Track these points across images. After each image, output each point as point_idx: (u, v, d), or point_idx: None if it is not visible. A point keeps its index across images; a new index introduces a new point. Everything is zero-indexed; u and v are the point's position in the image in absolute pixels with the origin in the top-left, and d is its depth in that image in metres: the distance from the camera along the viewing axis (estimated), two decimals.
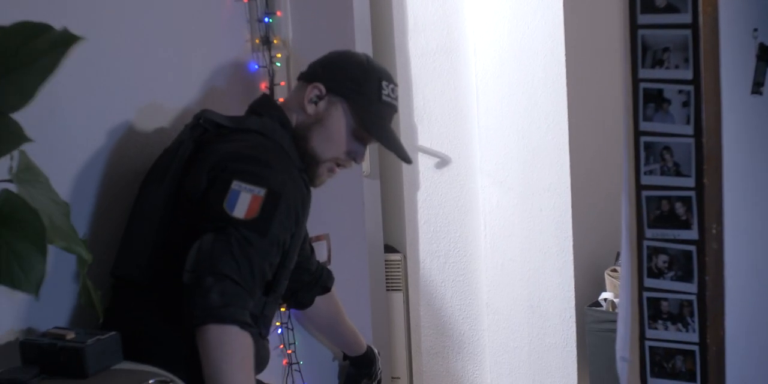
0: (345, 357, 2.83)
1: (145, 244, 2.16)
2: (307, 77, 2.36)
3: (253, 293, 2.07)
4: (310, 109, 2.31)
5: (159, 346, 2.12)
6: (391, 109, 2.37)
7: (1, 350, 1.99)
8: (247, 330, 2.02)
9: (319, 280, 2.61)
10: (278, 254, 2.14)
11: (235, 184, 2.07)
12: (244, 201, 2.06)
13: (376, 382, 2.81)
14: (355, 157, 2.36)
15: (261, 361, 2.25)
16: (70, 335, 1.94)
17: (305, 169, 2.30)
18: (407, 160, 2.41)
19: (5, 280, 1.58)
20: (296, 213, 2.17)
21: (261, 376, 2.30)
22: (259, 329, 2.16)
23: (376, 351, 2.83)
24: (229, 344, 2.00)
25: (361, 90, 2.33)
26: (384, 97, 2.33)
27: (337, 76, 2.33)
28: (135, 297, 2.17)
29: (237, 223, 2.05)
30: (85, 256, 1.72)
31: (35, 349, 1.93)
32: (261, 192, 2.07)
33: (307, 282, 2.61)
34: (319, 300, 2.65)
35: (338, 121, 2.32)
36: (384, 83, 2.34)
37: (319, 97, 2.31)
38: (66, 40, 1.51)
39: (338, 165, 2.37)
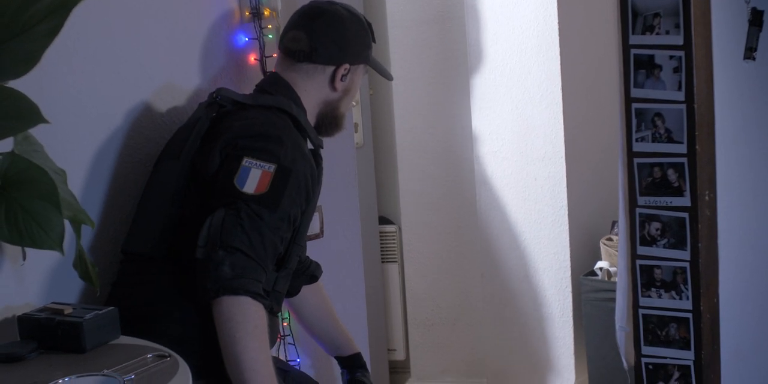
0: (339, 363, 2.72)
1: (158, 219, 2.19)
2: (322, 60, 2.35)
3: (266, 266, 2.09)
4: (341, 86, 2.37)
5: (166, 320, 2.14)
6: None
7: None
8: (259, 301, 2.05)
9: (307, 270, 2.61)
10: (289, 229, 2.17)
11: (246, 161, 2.12)
12: (254, 177, 2.10)
13: None
14: None
15: (272, 336, 2.27)
16: (68, 310, 1.93)
17: (321, 144, 2.37)
18: (390, 76, 2.55)
19: (26, 240, 1.60)
20: (306, 190, 2.20)
21: None
22: (271, 304, 2.17)
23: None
24: (241, 314, 2.03)
25: (370, 47, 2.42)
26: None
27: (356, 50, 2.38)
28: (144, 272, 2.19)
29: (247, 198, 2.09)
30: (87, 221, 1.72)
31: (33, 324, 1.92)
32: (271, 168, 2.12)
33: (295, 269, 2.60)
34: (306, 290, 2.65)
35: (359, 80, 2.42)
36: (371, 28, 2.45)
37: (345, 75, 2.37)
38: (65, 3, 1.50)
39: None
